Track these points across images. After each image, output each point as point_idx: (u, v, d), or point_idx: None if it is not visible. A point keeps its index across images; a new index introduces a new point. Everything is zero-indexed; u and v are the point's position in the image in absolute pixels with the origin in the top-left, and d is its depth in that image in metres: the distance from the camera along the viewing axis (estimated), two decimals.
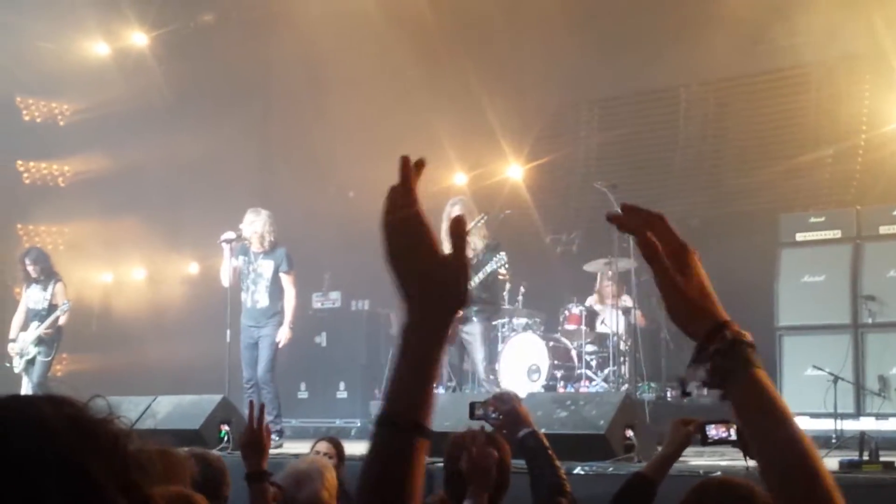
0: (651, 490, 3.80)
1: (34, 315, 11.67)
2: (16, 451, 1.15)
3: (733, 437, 3.64)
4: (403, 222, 1.63)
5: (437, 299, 1.59)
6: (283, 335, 10.50)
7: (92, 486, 1.16)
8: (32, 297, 11.80)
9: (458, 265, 1.59)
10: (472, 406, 4.36)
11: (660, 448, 4.39)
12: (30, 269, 11.79)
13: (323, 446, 6.68)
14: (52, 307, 11.61)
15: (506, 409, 4.22)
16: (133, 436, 1.24)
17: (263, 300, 10.57)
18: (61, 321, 11.66)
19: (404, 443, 1.58)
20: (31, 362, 11.60)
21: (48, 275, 11.81)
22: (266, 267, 10.58)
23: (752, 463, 3.69)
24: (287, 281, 10.62)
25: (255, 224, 10.62)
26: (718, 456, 7.39)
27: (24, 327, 11.75)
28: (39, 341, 11.55)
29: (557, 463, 4.14)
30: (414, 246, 1.62)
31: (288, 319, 10.55)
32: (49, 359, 11.62)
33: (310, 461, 5.22)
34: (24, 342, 11.60)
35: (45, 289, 11.72)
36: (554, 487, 4.07)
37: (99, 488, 1.17)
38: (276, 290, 10.58)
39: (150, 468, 1.26)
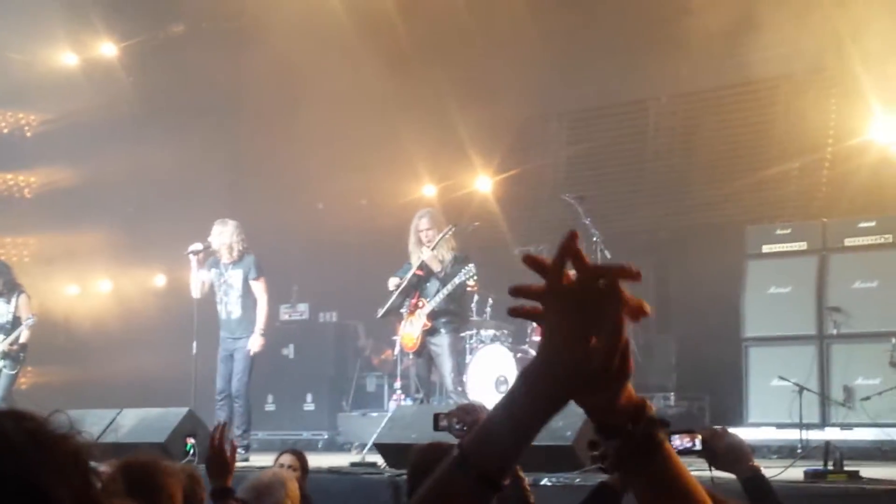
0: (616, 500, 3.79)
1: None
2: None
3: (698, 447, 3.63)
4: (598, 293, 1.39)
5: (590, 377, 1.39)
6: (255, 343, 10.43)
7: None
8: None
9: (623, 367, 1.42)
10: (437, 417, 4.34)
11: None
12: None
13: (287, 458, 6.63)
14: (15, 320, 11.48)
15: (470, 421, 4.20)
16: (94, 451, 1.23)
17: (236, 310, 10.49)
18: (23, 338, 11.50)
19: (478, 495, 1.39)
20: None
21: (11, 287, 11.67)
22: (235, 277, 10.52)
23: (717, 473, 3.69)
24: (258, 288, 10.53)
25: (222, 235, 10.57)
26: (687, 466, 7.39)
27: None
28: (4, 355, 11.41)
29: (521, 474, 4.11)
30: (596, 321, 1.39)
31: (259, 327, 10.47)
32: (14, 372, 11.48)
33: (272, 473, 5.18)
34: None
35: (7, 301, 11.58)
36: (517, 499, 4.05)
37: None
38: (248, 300, 10.49)
39: (110, 484, 1.26)
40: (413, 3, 13.60)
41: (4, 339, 11.42)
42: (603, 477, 4.78)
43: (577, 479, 7.26)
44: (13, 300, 11.57)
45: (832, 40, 11.52)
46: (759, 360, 10.19)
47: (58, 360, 12.85)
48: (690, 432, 3.65)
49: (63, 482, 1.17)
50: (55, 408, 1.28)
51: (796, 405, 9.40)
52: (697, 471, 6.80)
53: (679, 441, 3.64)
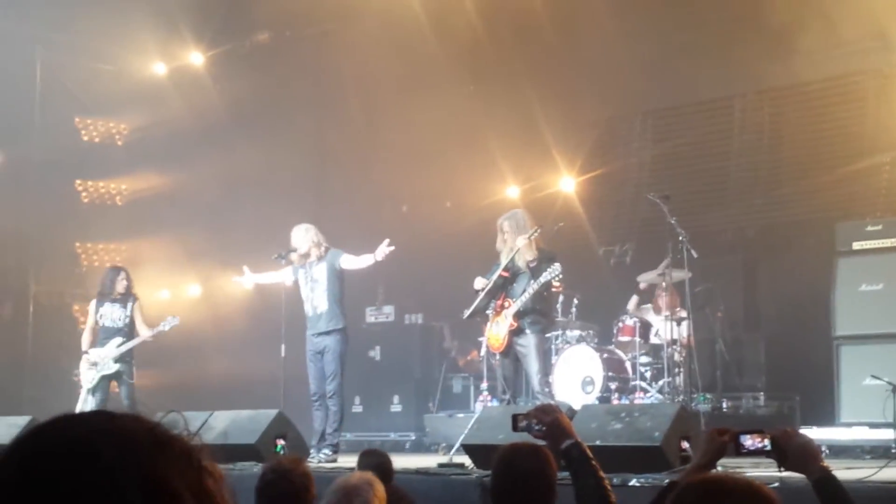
0: None
1: (113, 332, 11.72)
2: (105, 463, 1.21)
3: (768, 447, 3.62)
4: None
5: None
6: (382, 252, 10.23)
7: (171, 497, 1.23)
8: (108, 314, 11.87)
9: None
10: (515, 418, 4.34)
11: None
12: (118, 285, 11.91)
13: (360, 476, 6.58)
14: (131, 325, 11.74)
15: (548, 421, 4.20)
16: (207, 451, 1.31)
17: (322, 304, 10.51)
18: (152, 334, 11.74)
19: None
20: (104, 378, 11.71)
21: (128, 294, 11.96)
22: (320, 271, 10.56)
23: (786, 473, 3.68)
24: (350, 258, 10.46)
25: (308, 233, 10.67)
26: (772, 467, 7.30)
27: (93, 344, 11.83)
28: (121, 359, 11.67)
29: (602, 474, 4.11)
30: None
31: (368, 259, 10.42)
32: (133, 380, 11.73)
33: (359, 476, 5.18)
34: (101, 357, 11.70)
35: (124, 307, 11.83)
36: (599, 499, 4.06)
37: (178, 498, 1.23)
38: (334, 294, 10.51)
39: (221, 482, 1.33)
40: (493, 4, 13.62)
41: (123, 342, 11.66)
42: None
43: (666, 481, 7.20)
44: (129, 305, 11.84)
45: None
46: (851, 358, 10.03)
47: (150, 365, 13.07)
48: (760, 432, 3.64)
49: (180, 476, 1.25)
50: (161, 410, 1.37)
51: (890, 404, 9.25)
52: (766, 471, 6.75)
53: (750, 441, 3.64)
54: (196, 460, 1.28)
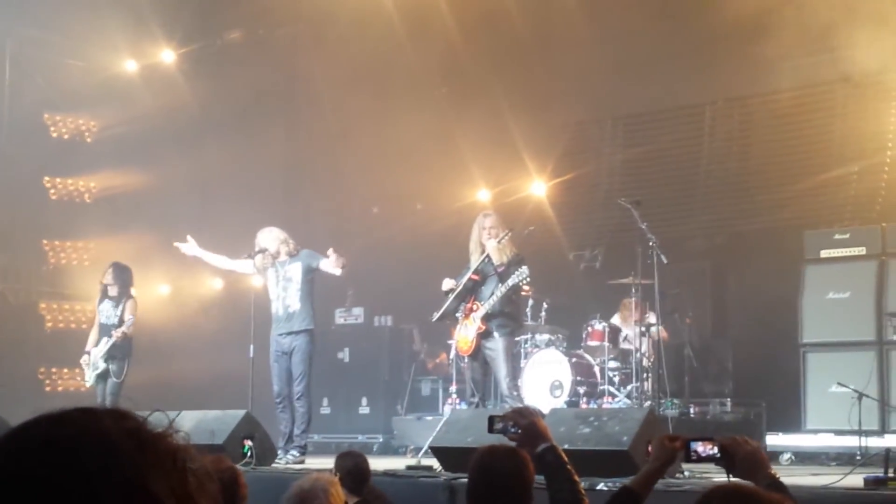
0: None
1: (106, 330, 11.75)
2: (83, 466, 1.19)
3: (718, 454, 3.68)
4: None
5: None
6: (335, 261, 10.15)
7: (153, 500, 1.20)
8: (104, 311, 11.90)
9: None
10: (492, 420, 4.35)
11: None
12: (108, 283, 11.91)
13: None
14: (120, 323, 11.74)
15: (525, 424, 4.21)
16: (191, 451, 1.27)
17: (295, 303, 10.44)
18: (121, 332, 11.63)
19: None
20: (101, 376, 11.68)
21: (123, 292, 11.94)
22: (294, 270, 10.49)
23: (735, 480, 3.75)
24: (329, 262, 10.27)
25: (272, 233, 10.62)
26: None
27: (97, 343, 11.88)
28: (110, 357, 11.65)
29: (576, 478, 4.13)
30: None
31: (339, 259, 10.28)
32: (120, 380, 11.72)
33: (314, 479, 5.09)
34: (94, 356, 11.70)
35: (116, 305, 11.83)
36: (573, 503, 4.07)
37: (159, 502, 1.21)
38: (307, 293, 10.48)
39: (207, 483, 1.31)
40: (467, 7, 13.63)
41: (109, 340, 11.66)
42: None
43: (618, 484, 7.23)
44: (122, 303, 11.84)
45: (891, 43, 11.39)
46: (818, 365, 10.10)
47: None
48: (710, 439, 3.71)
49: (162, 478, 1.22)
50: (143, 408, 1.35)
51: (855, 411, 9.32)
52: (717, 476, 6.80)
53: (701, 447, 3.70)
54: (180, 461, 1.25)
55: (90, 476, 1.19)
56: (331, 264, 10.31)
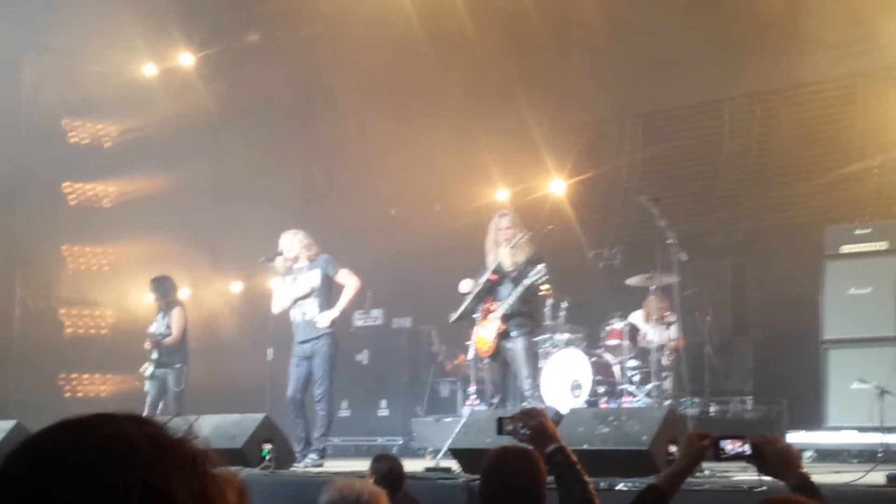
0: (663, 502, 3.78)
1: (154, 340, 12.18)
2: (103, 471, 1.20)
3: (748, 451, 3.62)
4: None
5: None
6: (327, 318, 10.34)
7: None
8: (156, 323, 12.26)
9: None
10: (500, 421, 4.34)
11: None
12: (155, 299, 12.25)
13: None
14: (168, 333, 12.06)
15: (533, 424, 4.19)
16: (210, 455, 1.28)
17: (313, 310, 10.47)
18: (156, 336, 12.03)
19: None
20: (149, 383, 12.08)
21: (170, 303, 12.25)
22: (313, 277, 10.50)
23: (766, 478, 3.70)
24: (345, 274, 10.44)
25: (296, 237, 10.63)
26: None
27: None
28: (162, 366, 12.03)
29: (586, 478, 4.11)
30: None
31: (342, 305, 10.47)
32: (180, 388, 12.03)
33: (364, 486, 4.96)
34: (146, 366, 12.15)
35: (164, 316, 12.15)
36: (583, 503, 4.05)
37: None
38: (325, 300, 10.48)
39: (227, 489, 1.30)
40: (485, 7, 13.60)
41: (154, 349, 12.03)
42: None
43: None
44: (169, 314, 12.10)
45: None
46: (839, 362, 10.01)
47: (138, 368, 13.02)
48: (740, 437, 3.66)
49: (183, 483, 1.22)
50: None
51: (877, 408, 9.23)
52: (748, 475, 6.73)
53: (730, 445, 3.65)
54: (201, 466, 1.26)
55: (111, 481, 1.19)
56: (345, 279, 10.43)
